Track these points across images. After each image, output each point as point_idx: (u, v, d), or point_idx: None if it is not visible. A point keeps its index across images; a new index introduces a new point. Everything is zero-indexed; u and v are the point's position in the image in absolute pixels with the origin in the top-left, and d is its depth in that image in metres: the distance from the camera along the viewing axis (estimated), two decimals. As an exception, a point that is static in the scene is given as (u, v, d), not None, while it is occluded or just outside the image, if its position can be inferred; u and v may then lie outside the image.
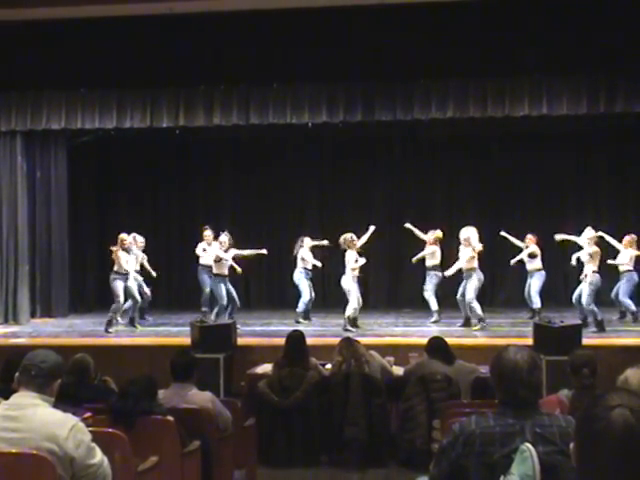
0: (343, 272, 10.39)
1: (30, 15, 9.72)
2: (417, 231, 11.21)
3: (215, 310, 10.90)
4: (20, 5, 9.42)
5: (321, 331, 10.00)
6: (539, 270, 10.80)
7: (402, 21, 9.70)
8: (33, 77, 10.52)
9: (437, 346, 6.59)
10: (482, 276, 10.33)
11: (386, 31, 9.79)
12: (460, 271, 10.40)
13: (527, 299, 10.95)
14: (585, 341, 7.70)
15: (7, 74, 10.52)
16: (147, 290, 11.04)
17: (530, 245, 10.81)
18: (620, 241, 10.52)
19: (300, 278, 11.10)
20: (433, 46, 9.80)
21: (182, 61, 10.25)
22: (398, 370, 6.94)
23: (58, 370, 3.33)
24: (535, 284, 10.78)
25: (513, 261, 10.98)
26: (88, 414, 4.17)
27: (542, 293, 10.83)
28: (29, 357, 3.31)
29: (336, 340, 7.23)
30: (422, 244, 11.06)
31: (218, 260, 10.85)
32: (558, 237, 10.87)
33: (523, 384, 2.70)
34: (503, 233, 11.25)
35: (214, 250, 10.98)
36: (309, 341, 7.02)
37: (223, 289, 10.87)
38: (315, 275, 11.40)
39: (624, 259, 10.35)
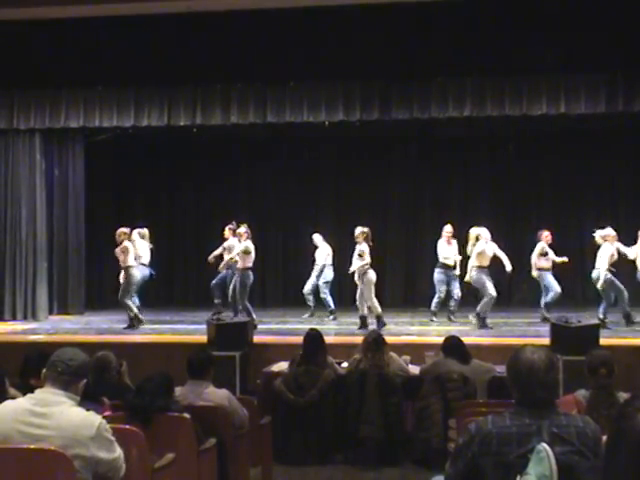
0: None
1: (48, 14, 9.78)
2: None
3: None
4: (38, 4, 9.48)
5: (337, 329, 10.00)
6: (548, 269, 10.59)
7: (419, 19, 9.69)
8: (51, 76, 10.60)
9: (453, 345, 6.57)
10: None
11: (403, 29, 9.78)
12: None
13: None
14: (602, 341, 7.64)
15: (26, 73, 10.62)
16: None
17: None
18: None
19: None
20: (450, 44, 9.78)
21: (199, 59, 10.29)
22: (414, 369, 6.93)
23: (85, 369, 3.32)
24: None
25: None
26: (107, 412, 4.19)
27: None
28: (58, 354, 3.28)
29: (352, 339, 7.21)
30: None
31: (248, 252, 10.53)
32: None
33: (540, 384, 2.69)
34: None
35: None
36: (326, 339, 7.01)
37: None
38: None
39: None
